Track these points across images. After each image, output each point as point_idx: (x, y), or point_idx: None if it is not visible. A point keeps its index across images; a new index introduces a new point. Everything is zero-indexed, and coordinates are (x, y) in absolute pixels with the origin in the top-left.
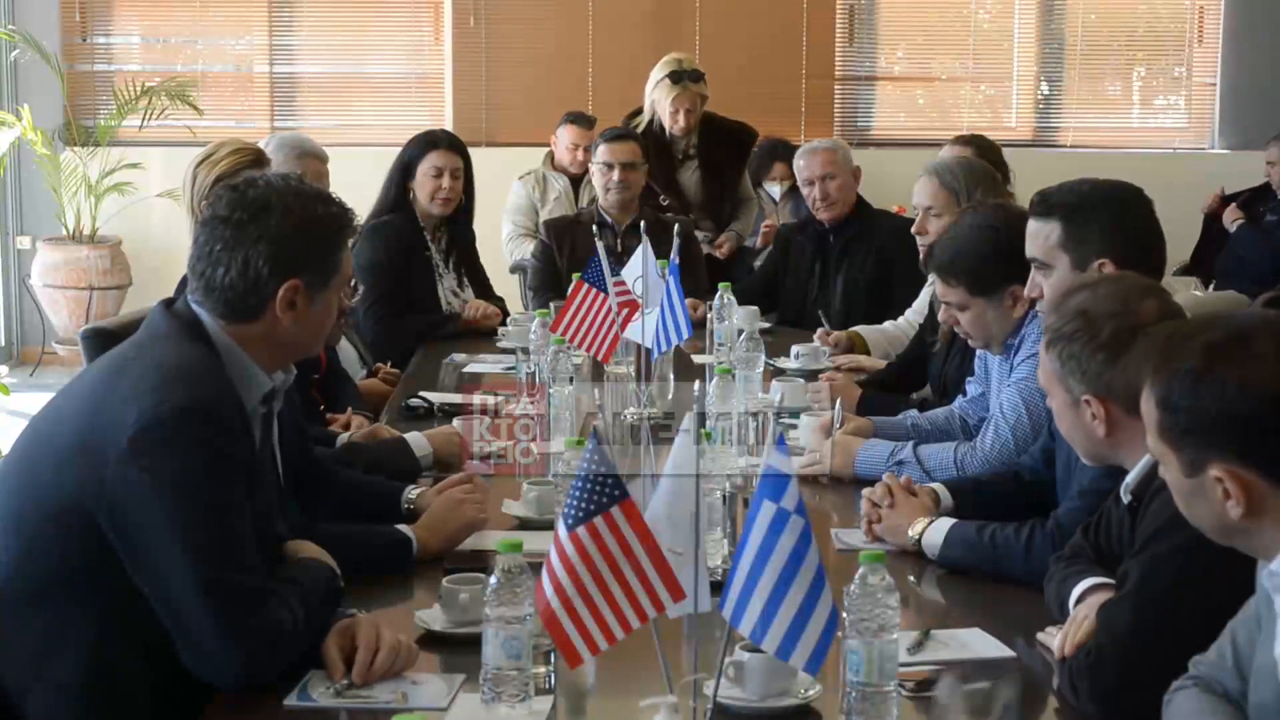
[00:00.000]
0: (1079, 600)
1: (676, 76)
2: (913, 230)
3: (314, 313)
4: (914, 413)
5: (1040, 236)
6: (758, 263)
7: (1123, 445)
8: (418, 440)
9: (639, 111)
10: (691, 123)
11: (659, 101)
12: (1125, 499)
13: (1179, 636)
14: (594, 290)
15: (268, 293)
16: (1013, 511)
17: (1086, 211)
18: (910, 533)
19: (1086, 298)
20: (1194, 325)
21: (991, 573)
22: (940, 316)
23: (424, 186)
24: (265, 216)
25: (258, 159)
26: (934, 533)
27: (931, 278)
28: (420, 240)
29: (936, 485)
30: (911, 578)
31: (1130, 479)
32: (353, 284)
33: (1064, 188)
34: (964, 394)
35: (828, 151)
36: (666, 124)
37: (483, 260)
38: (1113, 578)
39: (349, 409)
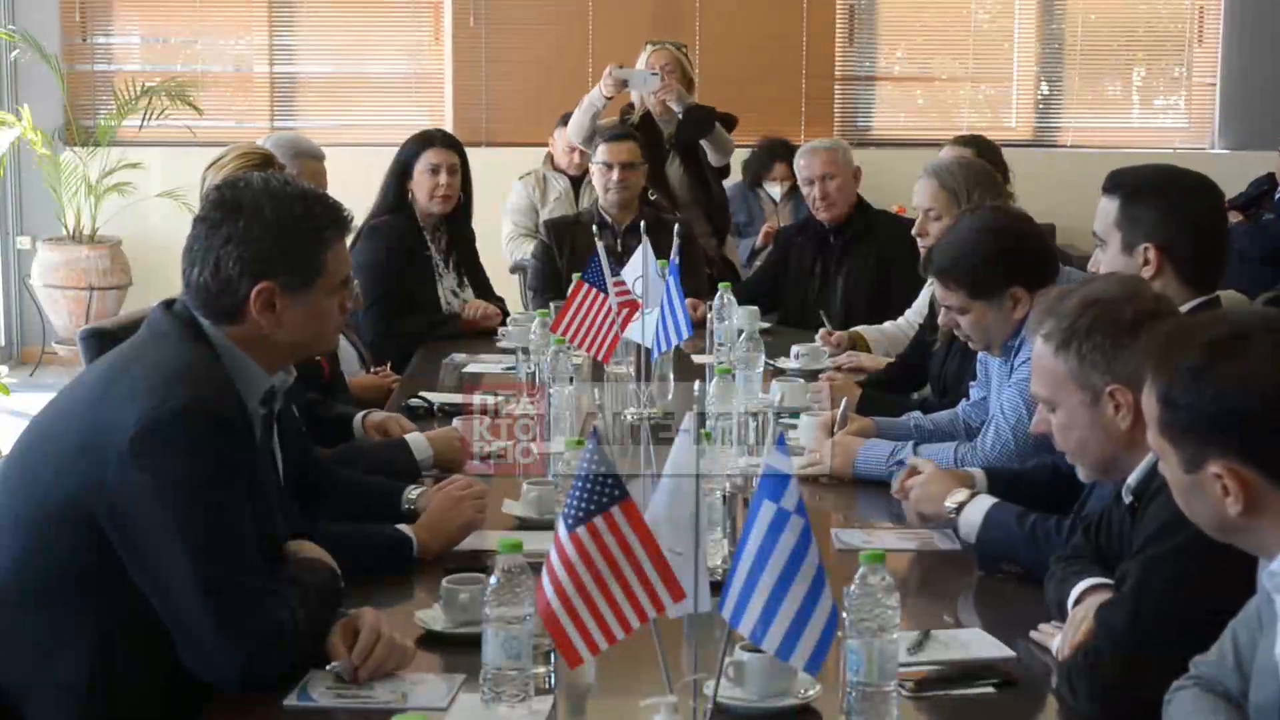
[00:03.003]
0: (1077, 601)
1: (654, 41)
2: (914, 233)
3: (299, 314)
4: (917, 414)
5: (1102, 212)
6: (758, 263)
7: (1139, 442)
8: (418, 441)
9: (633, 106)
10: (673, 87)
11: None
12: (1126, 499)
13: (1178, 637)
14: (594, 290)
15: (241, 295)
16: (1047, 504)
17: (1145, 193)
18: (948, 502)
19: (1090, 291)
20: (1196, 322)
21: (1027, 564)
22: (940, 320)
23: (422, 185)
24: (235, 218)
25: (265, 163)
26: (973, 511)
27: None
28: (420, 240)
29: (975, 470)
30: (911, 578)
31: (1132, 479)
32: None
33: (1135, 168)
34: (967, 398)
35: (828, 151)
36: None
37: (483, 260)
38: (1112, 578)
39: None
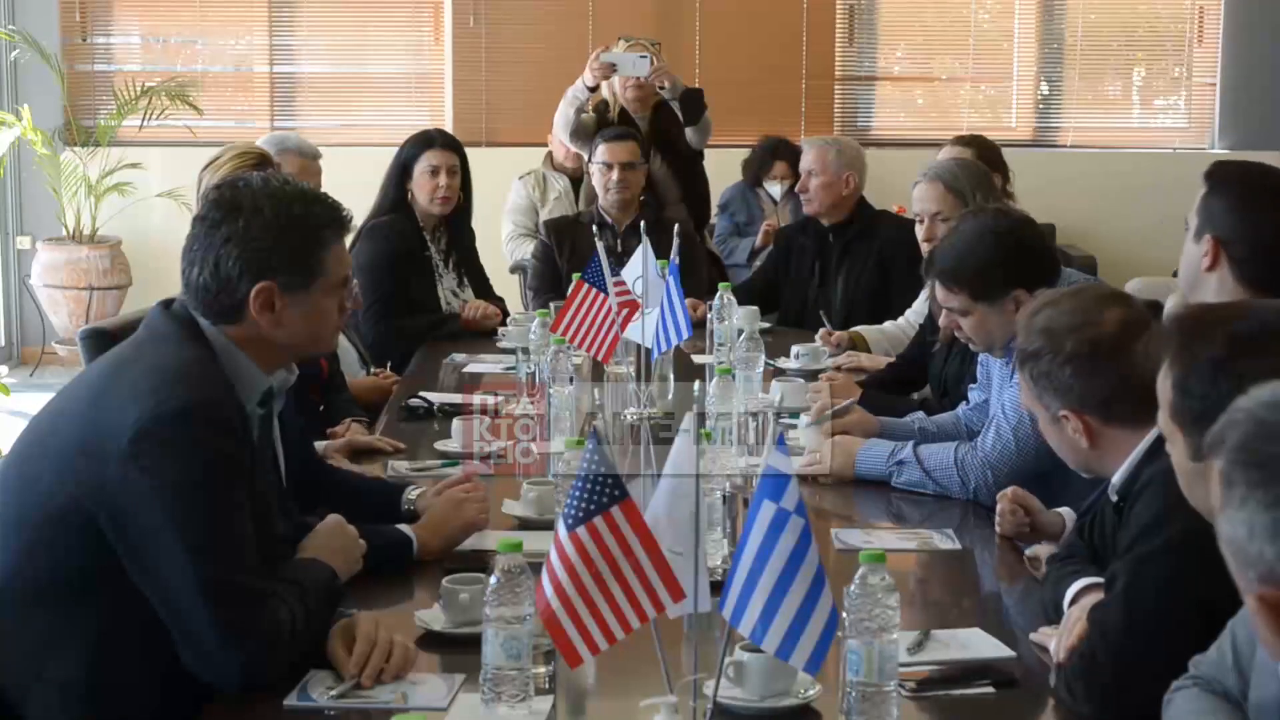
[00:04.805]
0: (1072, 601)
1: (627, 38)
2: (922, 239)
3: (299, 314)
4: (920, 415)
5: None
6: (758, 262)
7: (1107, 454)
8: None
9: (608, 104)
10: (665, 70)
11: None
12: (1113, 499)
13: (1171, 635)
14: (594, 290)
15: (240, 295)
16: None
17: (1223, 186)
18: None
19: (1048, 314)
20: (1222, 311)
21: None
22: (941, 322)
23: (422, 186)
24: (234, 218)
25: (261, 162)
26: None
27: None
28: (420, 240)
29: (1065, 511)
30: (911, 578)
31: (1116, 480)
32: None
33: (1238, 163)
34: (967, 401)
35: (819, 149)
36: (619, 89)
37: (483, 260)
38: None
39: (347, 421)
